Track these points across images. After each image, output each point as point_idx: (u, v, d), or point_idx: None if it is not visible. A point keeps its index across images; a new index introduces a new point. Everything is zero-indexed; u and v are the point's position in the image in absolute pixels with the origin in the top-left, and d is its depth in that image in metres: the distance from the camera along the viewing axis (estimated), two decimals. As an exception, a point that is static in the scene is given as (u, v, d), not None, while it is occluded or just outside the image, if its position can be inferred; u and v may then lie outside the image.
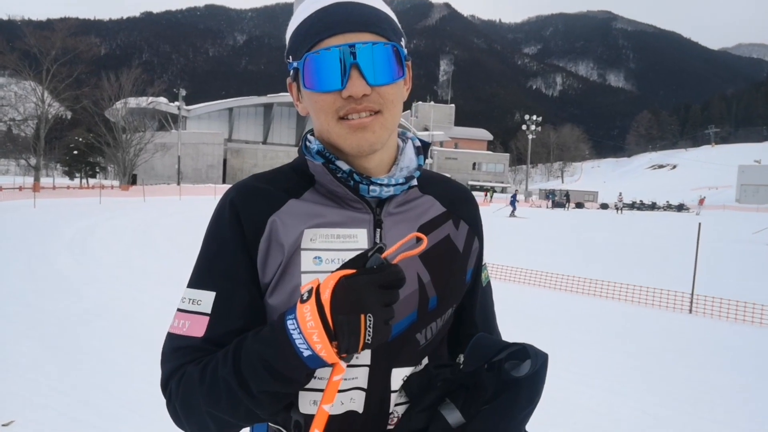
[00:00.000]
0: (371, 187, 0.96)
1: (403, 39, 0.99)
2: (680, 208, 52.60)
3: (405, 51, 0.97)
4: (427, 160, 1.06)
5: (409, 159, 1.04)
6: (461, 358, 0.95)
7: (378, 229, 0.98)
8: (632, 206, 51.29)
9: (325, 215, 0.97)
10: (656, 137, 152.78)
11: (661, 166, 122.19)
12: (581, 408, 4.15)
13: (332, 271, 0.83)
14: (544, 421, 3.83)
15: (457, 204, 1.11)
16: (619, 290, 8.68)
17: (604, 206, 53.93)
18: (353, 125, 0.92)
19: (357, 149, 0.94)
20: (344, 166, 0.97)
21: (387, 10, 0.98)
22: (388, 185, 0.97)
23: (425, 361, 1.01)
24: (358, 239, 0.97)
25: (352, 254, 0.88)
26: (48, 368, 4.48)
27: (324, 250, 0.95)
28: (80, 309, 6.47)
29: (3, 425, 3.45)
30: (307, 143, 1.02)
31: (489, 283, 1.21)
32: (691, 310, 7.82)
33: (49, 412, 3.68)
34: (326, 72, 0.90)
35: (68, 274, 8.71)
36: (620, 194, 50.10)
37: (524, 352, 0.90)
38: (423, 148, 1.08)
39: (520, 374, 0.88)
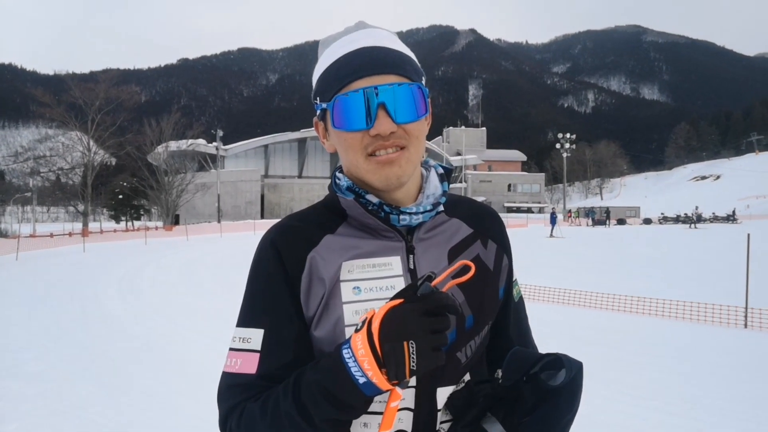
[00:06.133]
0: (401, 217, 1.01)
1: (423, 78, 1.05)
2: (729, 218, 50.32)
3: (427, 90, 1.03)
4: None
5: (434, 186, 1.09)
6: (499, 372, 0.97)
7: (411, 255, 1.03)
8: (677, 220, 49.44)
9: (360, 246, 1.02)
10: (696, 148, 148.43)
11: (704, 177, 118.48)
12: (639, 431, 4.01)
13: (372, 300, 0.89)
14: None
15: (484, 224, 1.15)
16: (669, 307, 8.42)
17: (647, 221, 52.31)
18: (381, 161, 0.97)
19: (386, 183, 0.99)
20: (374, 199, 1.02)
21: (408, 51, 1.04)
22: (416, 213, 1.02)
23: (467, 377, 1.04)
24: (392, 267, 1.01)
25: (389, 281, 0.97)
26: (103, 407, 4.61)
27: (362, 280, 0.99)
28: (131, 348, 6.66)
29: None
30: (337, 180, 1.08)
31: (521, 298, 1.24)
32: (746, 325, 7.53)
33: (106, 450, 3.78)
34: (355, 112, 0.96)
35: (118, 314, 8.98)
36: (696, 207, 47.11)
37: (559, 361, 0.93)
38: (446, 175, 1.12)
39: (556, 383, 0.90)
